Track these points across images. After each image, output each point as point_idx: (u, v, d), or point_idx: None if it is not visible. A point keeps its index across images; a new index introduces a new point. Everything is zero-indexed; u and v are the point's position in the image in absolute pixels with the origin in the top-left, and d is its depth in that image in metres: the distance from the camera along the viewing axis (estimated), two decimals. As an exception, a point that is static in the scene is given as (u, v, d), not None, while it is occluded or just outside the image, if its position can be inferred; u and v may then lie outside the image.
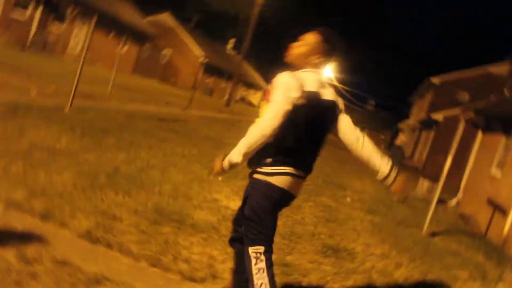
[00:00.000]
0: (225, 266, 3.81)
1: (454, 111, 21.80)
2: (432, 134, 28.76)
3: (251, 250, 2.78)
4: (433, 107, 33.38)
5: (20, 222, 3.52)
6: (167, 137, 9.46)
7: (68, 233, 3.57)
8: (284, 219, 5.85)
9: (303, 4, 56.61)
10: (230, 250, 4.16)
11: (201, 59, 39.66)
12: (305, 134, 2.84)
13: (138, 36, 31.90)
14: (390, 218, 8.23)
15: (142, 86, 22.76)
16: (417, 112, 41.46)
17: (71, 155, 5.73)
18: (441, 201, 11.80)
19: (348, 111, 3.08)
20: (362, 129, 3.15)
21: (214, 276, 3.59)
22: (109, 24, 27.26)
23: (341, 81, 57.10)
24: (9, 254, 2.99)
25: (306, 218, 6.34)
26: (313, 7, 61.52)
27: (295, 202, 7.09)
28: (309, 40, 2.96)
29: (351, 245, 5.69)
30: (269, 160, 2.79)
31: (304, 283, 4.04)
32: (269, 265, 2.76)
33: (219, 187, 6.46)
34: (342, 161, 17.18)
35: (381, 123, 61.48)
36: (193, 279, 3.46)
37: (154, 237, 3.94)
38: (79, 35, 26.50)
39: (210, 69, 41.32)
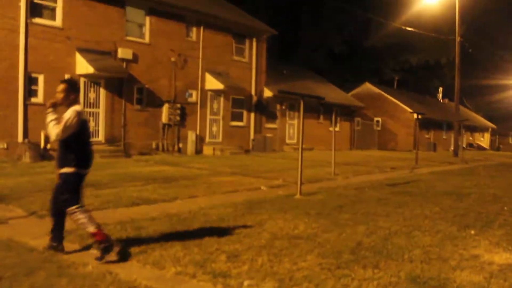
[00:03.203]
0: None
1: None
2: None
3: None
4: None
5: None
6: (403, 200, 8.95)
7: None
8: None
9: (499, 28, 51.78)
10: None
11: (414, 117, 38.39)
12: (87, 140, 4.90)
13: (347, 112, 32.58)
14: None
15: (363, 158, 22.66)
16: None
17: (311, 238, 5.66)
18: None
19: None
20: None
21: None
22: (317, 108, 28.44)
23: None
24: None
25: None
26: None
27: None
28: (62, 88, 4.70)
29: None
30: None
31: None
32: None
33: (475, 242, 5.70)
34: None
35: None
36: None
37: (418, 310, 3.49)
38: (292, 126, 28.15)
39: (427, 124, 39.67)
